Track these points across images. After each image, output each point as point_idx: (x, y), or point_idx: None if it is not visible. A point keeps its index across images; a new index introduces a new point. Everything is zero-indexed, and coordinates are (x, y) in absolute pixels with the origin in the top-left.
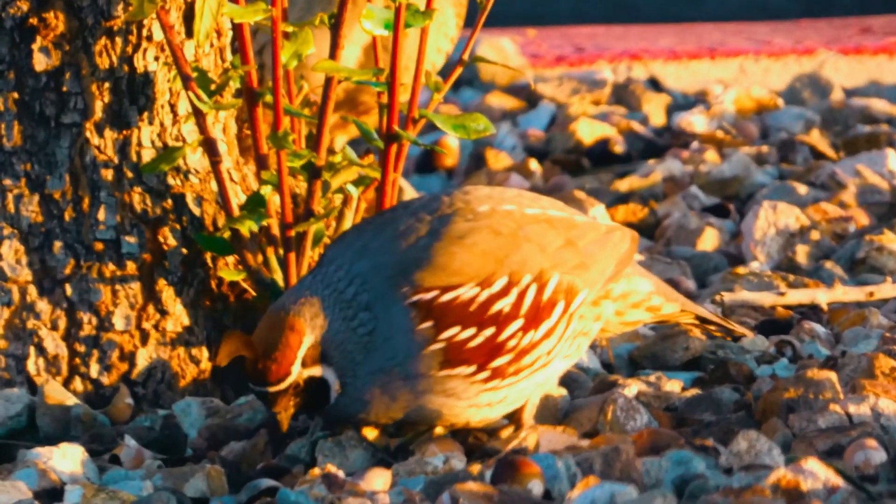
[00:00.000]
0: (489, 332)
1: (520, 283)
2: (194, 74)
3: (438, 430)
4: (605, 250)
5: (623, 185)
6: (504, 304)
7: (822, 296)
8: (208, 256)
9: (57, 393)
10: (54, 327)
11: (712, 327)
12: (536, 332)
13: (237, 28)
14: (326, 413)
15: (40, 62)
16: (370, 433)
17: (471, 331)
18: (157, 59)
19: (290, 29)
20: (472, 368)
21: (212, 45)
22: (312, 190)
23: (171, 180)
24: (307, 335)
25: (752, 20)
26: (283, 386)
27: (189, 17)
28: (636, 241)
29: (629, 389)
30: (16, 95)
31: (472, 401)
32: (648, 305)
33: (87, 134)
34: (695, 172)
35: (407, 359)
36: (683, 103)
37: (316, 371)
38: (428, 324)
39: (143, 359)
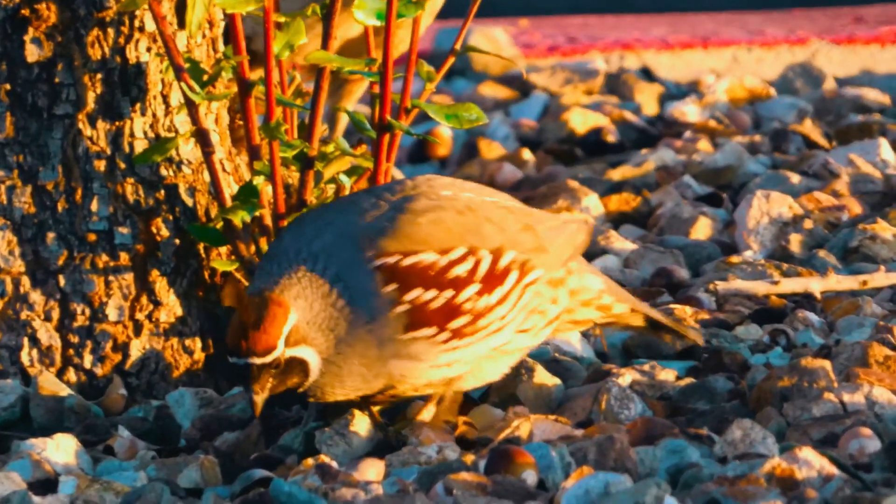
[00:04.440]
0: (448, 294)
1: (477, 253)
2: (186, 65)
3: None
4: (561, 237)
5: (616, 174)
6: (462, 270)
7: (815, 285)
8: (201, 247)
9: (50, 384)
10: (48, 318)
11: (662, 331)
12: (491, 296)
13: (229, 18)
14: (303, 394)
15: (32, 53)
16: (364, 423)
17: (432, 293)
18: (149, 49)
19: (282, 19)
20: (434, 330)
21: (204, 36)
22: (305, 180)
23: (163, 171)
24: (292, 312)
25: (745, 10)
26: (268, 359)
27: (181, 8)
28: (591, 233)
29: (623, 379)
30: (8, 87)
31: (432, 362)
32: (599, 304)
33: (80, 125)
34: (688, 162)
35: (374, 322)
36: (676, 93)
37: (298, 352)
38: (392, 286)
39: (136, 349)
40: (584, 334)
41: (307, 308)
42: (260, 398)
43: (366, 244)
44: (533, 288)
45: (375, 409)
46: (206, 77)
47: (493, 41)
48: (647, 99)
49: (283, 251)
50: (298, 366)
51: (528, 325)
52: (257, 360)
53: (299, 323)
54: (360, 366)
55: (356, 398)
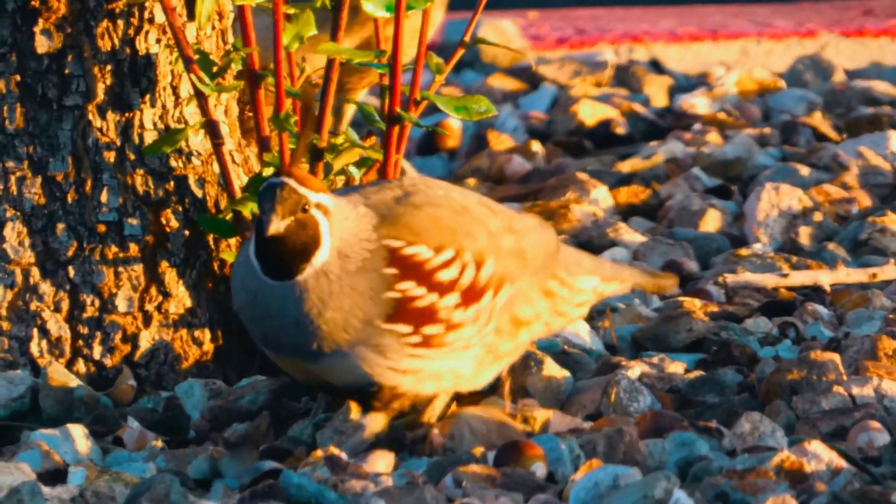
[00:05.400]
0: (433, 297)
1: (462, 257)
2: (196, 57)
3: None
4: (534, 238)
5: (625, 166)
6: (448, 275)
7: (825, 277)
8: (210, 238)
9: (60, 375)
10: (57, 309)
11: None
12: (466, 311)
13: (239, 10)
14: (292, 328)
15: (42, 45)
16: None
17: (421, 290)
18: (158, 41)
19: (291, 11)
20: (409, 329)
21: (213, 28)
22: (314, 172)
23: (173, 162)
24: (331, 197)
25: (754, 2)
26: (298, 188)
27: (191, 0)
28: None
29: (632, 371)
30: (18, 78)
31: (393, 363)
32: (594, 299)
33: (90, 116)
34: (697, 154)
35: (369, 299)
36: (685, 85)
37: (320, 218)
38: (393, 270)
39: (145, 341)
40: (594, 327)
41: (339, 210)
42: (275, 224)
43: (379, 223)
44: (502, 306)
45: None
46: (215, 68)
47: (503, 33)
48: (657, 91)
49: None
50: (314, 230)
51: (499, 338)
52: (291, 182)
53: (332, 210)
54: (339, 316)
55: (319, 358)
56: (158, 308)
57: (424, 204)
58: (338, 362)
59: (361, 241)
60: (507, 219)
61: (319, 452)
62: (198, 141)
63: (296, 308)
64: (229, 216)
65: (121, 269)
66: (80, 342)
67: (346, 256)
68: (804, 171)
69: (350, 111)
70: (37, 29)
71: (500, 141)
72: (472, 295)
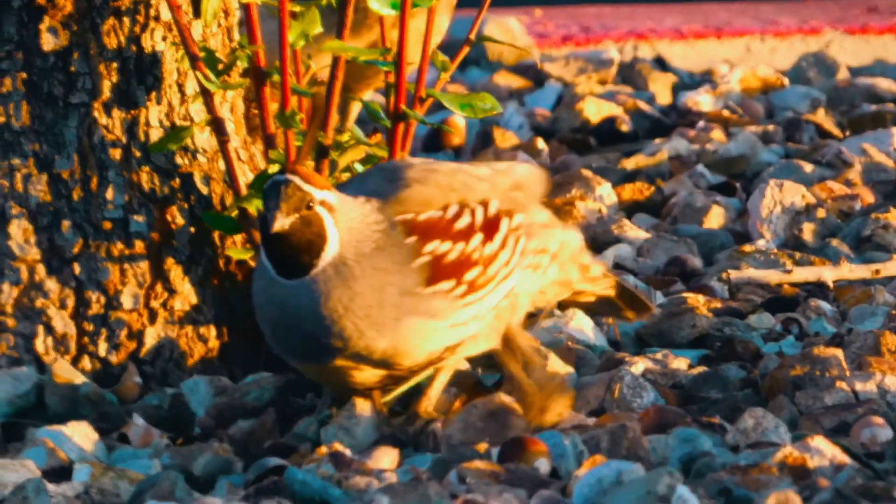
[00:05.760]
0: (460, 245)
1: (469, 206)
2: (202, 54)
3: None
4: (531, 175)
5: (630, 163)
6: (463, 223)
7: (828, 273)
8: (216, 235)
9: (65, 372)
10: (63, 306)
11: (625, 302)
12: (493, 242)
13: (245, 8)
14: (313, 321)
15: (48, 42)
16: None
17: (447, 244)
18: (164, 39)
19: (297, 8)
20: (452, 283)
21: (219, 25)
22: (320, 169)
23: (179, 160)
24: (333, 193)
25: (759, 0)
26: (302, 185)
27: None
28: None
29: (636, 367)
30: (24, 75)
31: (451, 319)
32: (581, 263)
33: (96, 114)
34: (701, 151)
35: (398, 272)
36: (690, 83)
37: (325, 215)
38: (413, 238)
39: (151, 337)
40: (597, 323)
41: (344, 205)
42: (279, 221)
43: (390, 201)
44: (523, 231)
45: (380, 400)
46: (221, 66)
47: (508, 31)
48: (661, 88)
49: None
50: (318, 227)
51: (535, 262)
52: (295, 180)
53: (336, 206)
54: (371, 297)
55: (352, 351)
56: (164, 305)
57: (414, 178)
58: (391, 347)
59: (370, 225)
60: (491, 166)
61: (324, 449)
62: (203, 138)
63: (325, 302)
64: (235, 213)
65: (126, 266)
66: (86, 339)
67: (358, 242)
68: (808, 168)
69: (356, 109)
70: (43, 26)
71: (505, 138)
72: (490, 227)
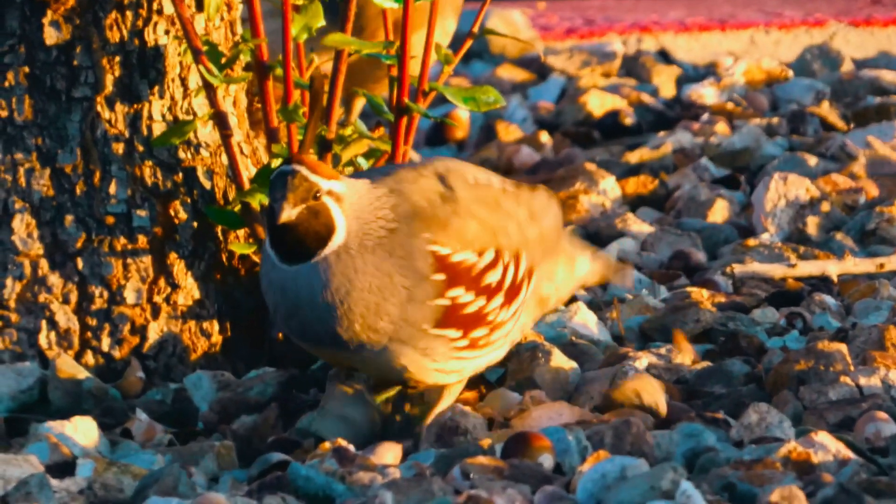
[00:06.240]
0: (481, 301)
1: (503, 257)
2: (205, 48)
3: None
4: (550, 218)
5: (633, 156)
6: (493, 278)
7: (832, 267)
8: (219, 230)
9: (68, 367)
10: (66, 301)
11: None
12: (509, 309)
13: (248, 1)
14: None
15: (51, 36)
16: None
17: (470, 296)
18: (167, 32)
19: (300, 2)
20: (459, 333)
21: (222, 19)
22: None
23: (181, 154)
24: (342, 182)
25: None
26: (309, 176)
27: None
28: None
29: (640, 362)
30: (27, 69)
31: (440, 365)
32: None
33: (98, 108)
34: (705, 144)
35: (412, 298)
36: (694, 75)
37: (332, 205)
38: (441, 276)
39: (154, 332)
40: (601, 318)
41: (355, 193)
42: (286, 212)
43: (423, 223)
44: (532, 298)
45: (380, 397)
46: (224, 60)
47: (511, 24)
48: (665, 81)
49: None
50: (326, 217)
51: (524, 323)
52: (302, 170)
53: (344, 195)
54: (371, 294)
55: (348, 339)
56: (167, 300)
57: (464, 204)
58: (376, 356)
59: (378, 220)
60: (527, 203)
61: (327, 444)
62: (206, 132)
63: (323, 288)
64: (238, 208)
65: (129, 260)
66: (89, 334)
67: (363, 234)
68: (812, 160)
69: (359, 103)
70: (45, 20)
71: (508, 132)
72: (513, 293)
